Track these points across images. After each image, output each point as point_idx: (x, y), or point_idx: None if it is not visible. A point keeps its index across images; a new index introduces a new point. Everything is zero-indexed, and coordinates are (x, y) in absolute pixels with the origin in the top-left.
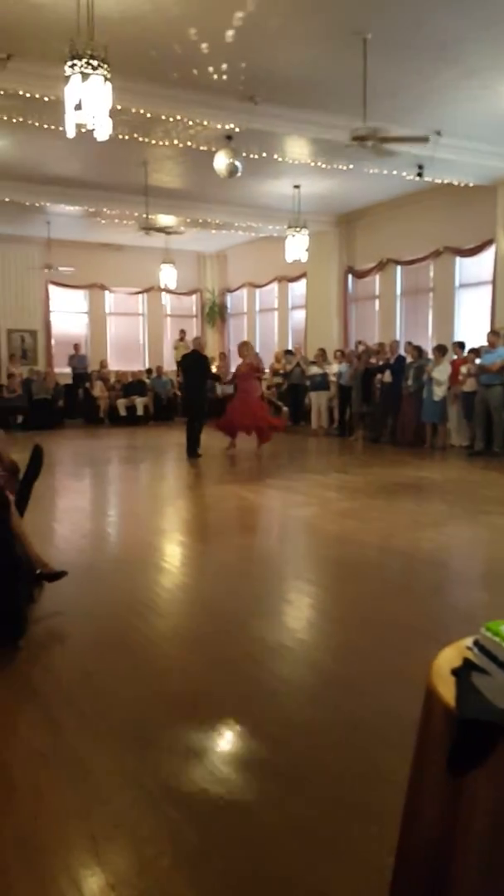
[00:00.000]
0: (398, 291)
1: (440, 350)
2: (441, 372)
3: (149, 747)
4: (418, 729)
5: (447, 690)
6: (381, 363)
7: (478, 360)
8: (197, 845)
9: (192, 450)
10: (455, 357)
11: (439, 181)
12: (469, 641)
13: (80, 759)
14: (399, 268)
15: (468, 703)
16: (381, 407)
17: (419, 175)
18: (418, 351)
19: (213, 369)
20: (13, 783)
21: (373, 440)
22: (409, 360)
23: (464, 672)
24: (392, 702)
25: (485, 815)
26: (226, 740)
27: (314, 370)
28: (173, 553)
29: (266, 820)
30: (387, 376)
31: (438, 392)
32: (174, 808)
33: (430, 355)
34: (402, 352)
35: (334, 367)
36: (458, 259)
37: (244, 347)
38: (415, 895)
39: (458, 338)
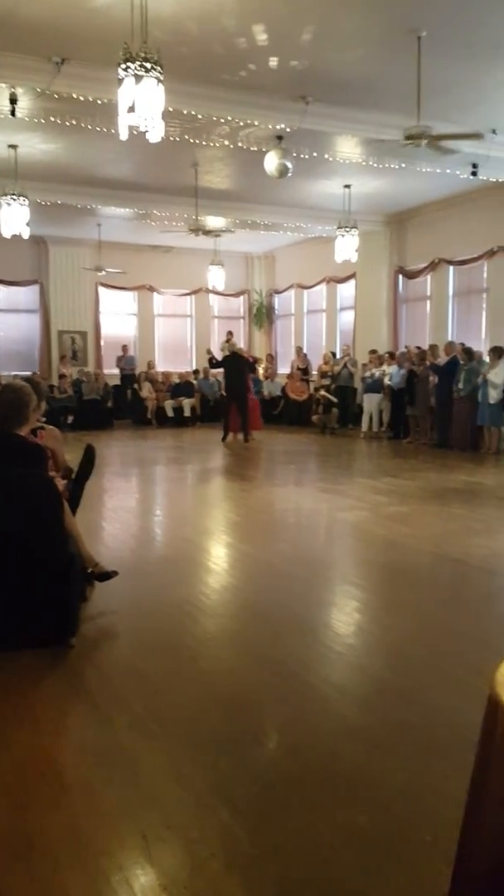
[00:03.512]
0: (451, 292)
1: (496, 352)
2: (497, 374)
3: (199, 748)
4: (479, 740)
5: None
6: (430, 365)
7: None
8: (249, 849)
9: (226, 436)
10: None
11: (494, 180)
12: None
13: (131, 759)
14: (452, 268)
15: None
16: (434, 410)
17: (473, 174)
18: (468, 353)
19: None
20: (65, 780)
21: (423, 444)
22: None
23: None
24: (446, 709)
25: None
26: (276, 744)
27: (370, 372)
28: (220, 554)
29: (318, 826)
30: (434, 379)
31: (494, 395)
32: (226, 810)
33: (485, 357)
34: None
35: (387, 370)
36: None
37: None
38: None
39: None
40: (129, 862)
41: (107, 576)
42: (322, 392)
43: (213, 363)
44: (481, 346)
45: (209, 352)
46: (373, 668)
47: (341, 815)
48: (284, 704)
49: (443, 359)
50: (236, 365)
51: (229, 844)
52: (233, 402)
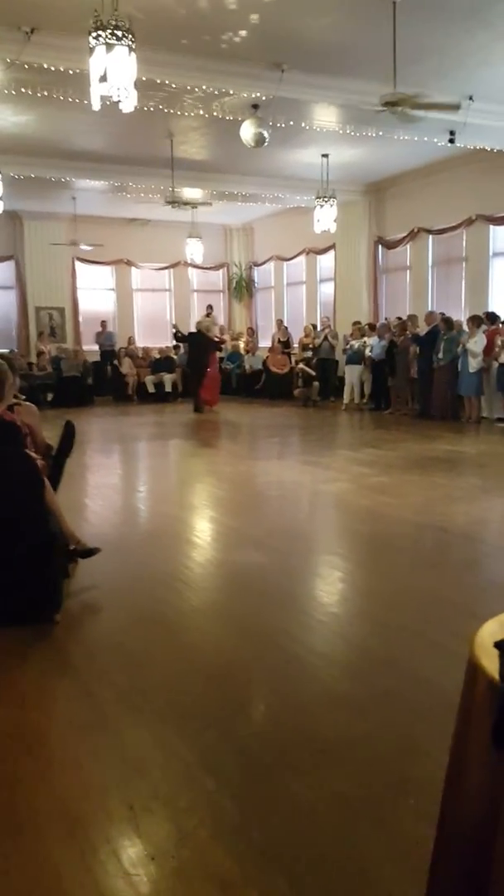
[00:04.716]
0: (430, 262)
1: (475, 321)
2: (477, 343)
3: (185, 720)
4: (460, 702)
5: (490, 663)
6: (411, 335)
7: None
8: (235, 817)
9: (199, 406)
10: (488, 328)
11: (472, 147)
12: None
13: (117, 732)
14: (431, 237)
15: None
16: (415, 380)
17: (451, 141)
18: (447, 323)
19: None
20: (52, 755)
21: (405, 414)
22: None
23: None
24: (429, 675)
25: None
26: (261, 714)
27: (350, 344)
28: (204, 528)
29: (303, 792)
30: (414, 349)
31: (474, 364)
32: (212, 780)
33: (464, 327)
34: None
35: (368, 341)
36: (491, 227)
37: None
38: (457, 870)
39: (491, 308)
40: (116, 833)
41: (89, 552)
42: (301, 365)
43: (179, 337)
44: (461, 315)
45: (175, 326)
46: (356, 636)
47: (326, 782)
48: (269, 674)
49: (423, 329)
50: (199, 342)
51: (216, 813)
52: (195, 376)
